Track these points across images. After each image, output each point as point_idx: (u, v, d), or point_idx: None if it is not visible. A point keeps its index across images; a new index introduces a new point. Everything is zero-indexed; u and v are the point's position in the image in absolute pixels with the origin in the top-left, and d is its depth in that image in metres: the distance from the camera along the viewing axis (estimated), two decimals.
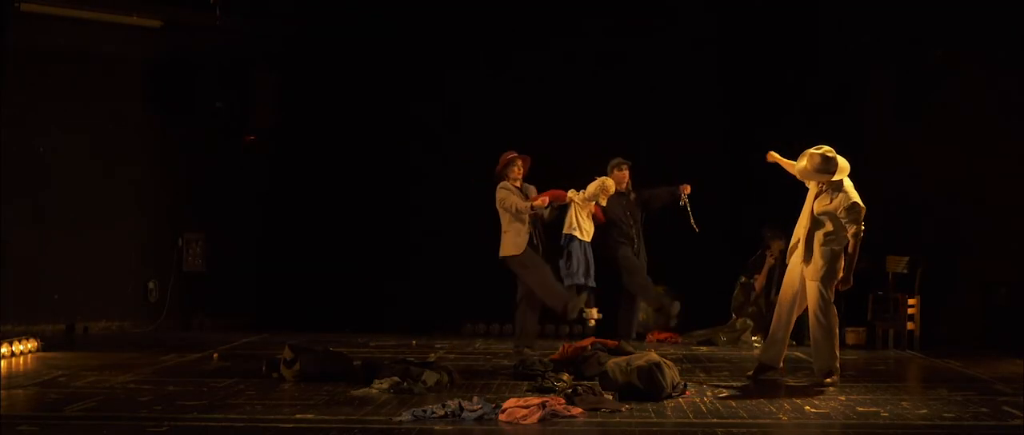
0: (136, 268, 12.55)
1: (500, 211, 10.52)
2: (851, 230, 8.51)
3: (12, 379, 8.68)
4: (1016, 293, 11.79)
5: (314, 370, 8.59)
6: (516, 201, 10.41)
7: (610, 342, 9.48)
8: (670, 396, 7.89)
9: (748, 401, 7.89)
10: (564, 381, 8.34)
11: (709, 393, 8.20)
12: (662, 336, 11.73)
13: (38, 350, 10.35)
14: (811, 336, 8.81)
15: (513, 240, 10.41)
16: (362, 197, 12.93)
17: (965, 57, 12.02)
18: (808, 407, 7.64)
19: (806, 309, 8.80)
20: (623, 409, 7.46)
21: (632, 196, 10.91)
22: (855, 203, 8.49)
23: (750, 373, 9.04)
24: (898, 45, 12.24)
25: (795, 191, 9.13)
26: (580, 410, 7.31)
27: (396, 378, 8.20)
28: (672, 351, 10.76)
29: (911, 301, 11.38)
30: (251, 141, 12.72)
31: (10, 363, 9.68)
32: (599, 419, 7.20)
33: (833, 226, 8.58)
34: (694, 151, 12.41)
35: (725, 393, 8.24)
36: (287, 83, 12.88)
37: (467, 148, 12.74)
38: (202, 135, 12.66)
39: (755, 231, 11.86)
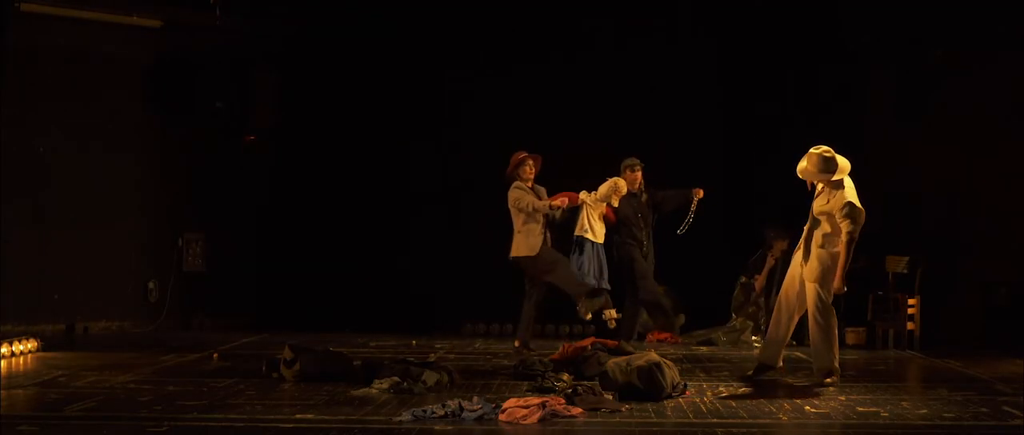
0: (136, 268, 12.55)
1: (513, 212, 10.42)
2: (845, 229, 8.47)
3: (12, 379, 8.67)
4: (1016, 293, 11.80)
5: (314, 370, 8.59)
6: (532, 200, 10.33)
7: (610, 342, 9.48)
8: (670, 396, 7.89)
9: (748, 401, 7.89)
10: (564, 381, 8.34)
11: (709, 393, 8.20)
12: (662, 336, 11.73)
13: (38, 350, 10.35)
14: (810, 337, 8.81)
15: (526, 241, 10.33)
16: (362, 197, 12.93)
17: (965, 57, 12.02)
18: (808, 407, 7.64)
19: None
20: (623, 409, 7.46)
21: (644, 197, 10.81)
22: (850, 203, 8.47)
23: (750, 373, 9.05)
24: (898, 45, 12.24)
25: (795, 191, 9.13)
26: (580, 410, 7.31)
27: (396, 378, 8.20)
28: (672, 351, 10.75)
29: (911, 301, 11.38)
30: (251, 141, 12.72)
31: (10, 363, 9.68)
32: (599, 419, 7.20)
33: (831, 227, 8.58)
34: (694, 151, 12.42)
35: (725, 393, 8.24)
36: (287, 83, 12.88)
37: (467, 148, 12.75)
38: (202, 135, 12.66)
39: (755, 231, 11.85)
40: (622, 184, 10.52)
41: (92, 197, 12.16)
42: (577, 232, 10.49)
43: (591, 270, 10.38)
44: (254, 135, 12.72)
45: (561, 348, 9.42)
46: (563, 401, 7.44)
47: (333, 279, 12.76)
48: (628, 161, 10.81)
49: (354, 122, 12.98)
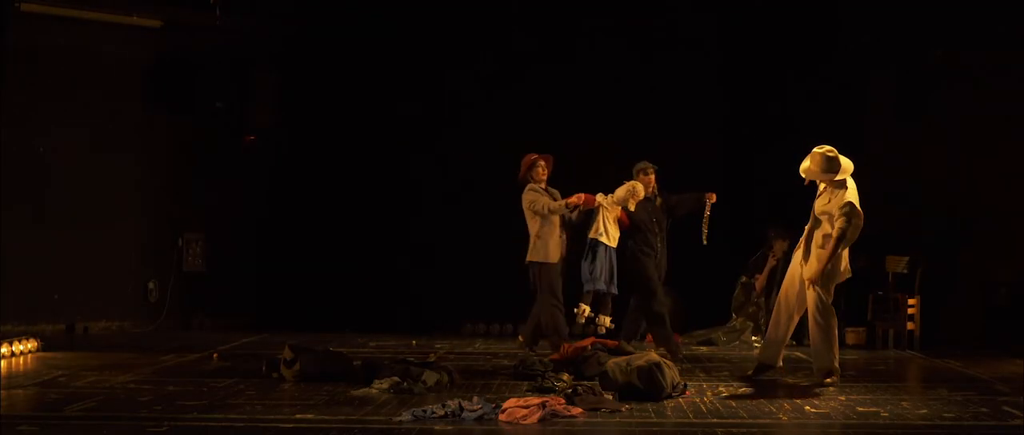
0: (136, 268, 12.54)
1: (529, 215, 10.19)
2: (838, 225, 8.45)
3: (12, 379, 8.68)
4: (1016, 293, 11.81)
5: (314, 370, 8.59)
6: (547, 201, 10.12)
7: (610, 342, 9.48)
8: (670, 396, 7.89)
9: (748, 401, 7.89)
10: (564, 381, 8.34)
11: (709, 393, 8.21)
12: None
13: (38, 350, 10.35)
14: (810, 337, 8.82)
15: (545, 246, 10.09)
16: (362, 197, 12.92)
17: (965, 57, 12.03)
18: (808, 407, 7.65)
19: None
20: (623, 409, 7.47)
21: (658, 201, 10.60)
22: (850, 203, 8.47)
23: (750, 372, 9.05)
24: (898, 45, 12.24)
25: (795, 191, 9.13)
26: (580, 410, 7.31)
27: (396, 378, 8.20)
28: None
29: (911, 301, 11.38)
30: (251, 141, 12.71)
31: (10, 363, 9.68)
32: (599, 419, 7.20)
33: (831, 227, 8.57)
34: (694, 151, 12.40)
35: (725, 393, 8.24)
36: (287, 83, 12.88)
37: (467, 148, 12.74)
38: (202, 135, 12.66)
39: (755, 231, 11.85)
40: (640, 188, 10.31)
41: (92, 197, 12.15)
42: (591, 235, 10.30)
43: (603, 275, 10.19)
44: (254, 135, 12.71)
45: (561, 348, 9.42)
46: (563, 401, 7.44)
47: (333, 279, 12.76)
48: (641, 164, 10.58)
49: (354, 122, 12.97)
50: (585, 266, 10.27)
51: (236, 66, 12.47)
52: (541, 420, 7.03)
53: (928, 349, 11.06)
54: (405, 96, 12.91)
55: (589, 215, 10.32)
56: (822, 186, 8.69)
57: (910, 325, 11.36)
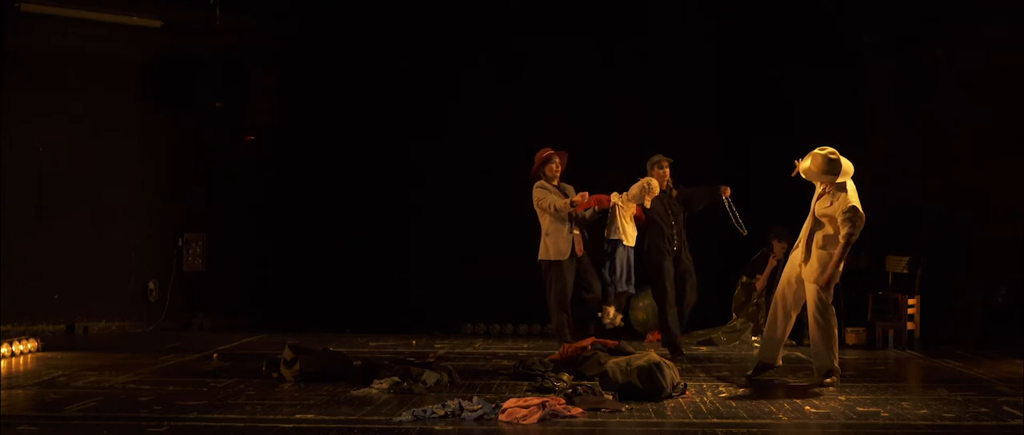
0: (136, 268, 12.54)
1: (539, 212, 10.01)
2: (844, 231, 8.46)
3: (12, 379, 8.68)
4: (1016, 293, 11.80)
5: (314, 370, 8.59)
6: (555, 200, 9.91)
7: (610, 342, 9.48)
8: (670, 396, 7.89)
9: (748, 401, 7.89)
10: (564, 381, 8.35)
11: (709, 393, 8.21)
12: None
13: (38, 350, 10.35)
14: (810, 337, 8.82)
15: (555, 244, 9.89)
16: (362, 197, 12.92)
17: (965, 57, 12.02)
18: (808, 407, 7.65)
19: (806, 309, 8.82)
20: (623, 409, 7.47)
21: (673, 193, 10.48)
22: (854, 207, 8.46)
23: (749, 372, 9.05)
24: (898, 45, 12.23)
25: (794, 192, 9.13)
26: (580, 410, 7.31)
27: (396, 378, 8.21)
28: None
29: (911, 301, 11.37)
30: (251, 141, 12.71)
31: (10, 363, 9.68)
32: (599, 419, 7.21)
33: (833, 229, 8.58)
34: (693, 150, 12.39)
35: (725, 393, 8.24)
36: (287, 83, 12.87)
37: (467, 148, 12.74)
38: (202, 135, 12.66)
39: (755, 231, 11.84)
40: (654, 183, 10.20)
41: (92, 197, 12.16)
42: (609, 235, 10.16)
43: (623, 275, 10.08)
44: (254, 135, 12.71)
45: (561, 348, 9.42)
46: (563, 401, 7.45)
47: (333, 279, 12.76)
48: (655, 158, 10.45)
49: (354, 121, 12.96)
50: (606, 268, 10.14)
51: (236, 66, 12.46)
52: (541, 420, 7.04)
53: (928, 349, 11.06)
54: (405, 95, 12.90)
55: (604, 214, 10.18)
56: (821, 187, 8.68)
57: (910, 325, 11.35)
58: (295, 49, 12.96)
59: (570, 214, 9.90)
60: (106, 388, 8.24)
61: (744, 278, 11.82)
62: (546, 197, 9.95)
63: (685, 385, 8.20)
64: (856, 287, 11.37)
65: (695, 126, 12.61)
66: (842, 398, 8.02)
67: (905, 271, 11.52)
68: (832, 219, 8.55)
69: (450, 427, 6.90)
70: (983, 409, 7.59)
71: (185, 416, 7.11)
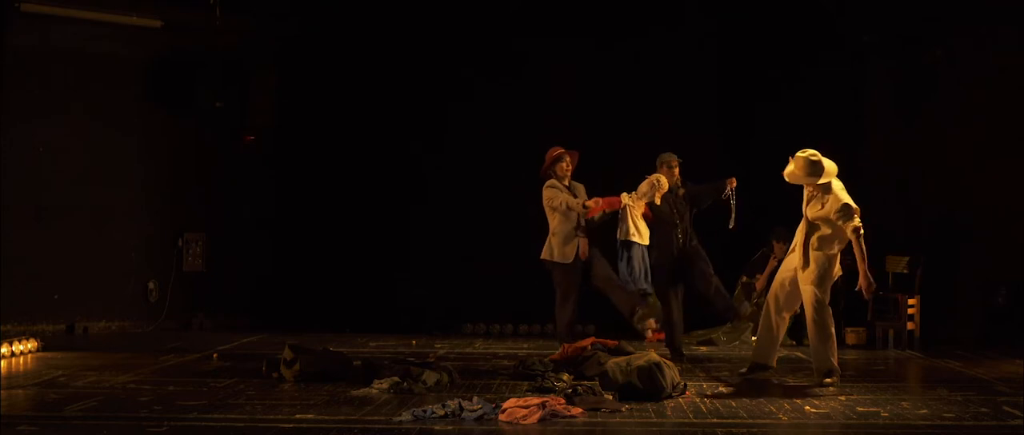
0: (136, 268, 12.54)
1: (548, 211, 9.89)
2: (850, 227, 8.44)
3: (12, 379, 8.68)
4: (1016, 293, 11.80)
5: (314, 370, 8.59)
6: (566, 198, 9.79)
7: (610, 342, 9.46)
8: (670, 396, 7.89)
9: (748, 401, 7.89)
10: (564, 381, 8.35)
11: (709, 393, 8.20)
12: (662, 336, 11.71)
13: (38, 350, 10.35)
14: (809, 338, 8.82)
15: (561, 246, 9.78)
16: (362, 197, 12.92)
17: (965, 56, 12.03)
18: (808, 407, 7.65)
19: (803, 310, 8.82)
20: (623, 409, 7.47)
21: (681, 191, 10.38)
22: (845, 204, 8.47)
23: (743, 371, 9.03)
24: (898, 44, 12.24)
25: (794, 192, 9.13)
26: (580, 410, 7.31)
27: (396, 378, 8.20)
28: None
29: (911, 301, 11.37)
30: (251, 141, 12.71)
31: (10, 363, 9.68)
32: (599, 419, 7.20)
33: (829, 230, 8.58)
34: (693, 150, 12.38)
35: (725, 393, 8.24)
36: (287, 83, 12.88)
37: (468, 147, 12.74)
38: (202, 135, 12.66)
39: (755, 231, 11.84)
40: (663, 180, 10.10)
41: (92, 197, 12.16)
42: (622, 236, 9.98)
43: (639, 274, 9.89)
44: (254, 135, 12.72)
45: (561, 348, 9.42)
46: (563, 401, 7.44)
47: (333, 279, 12.77)
48: (665, 156, 10.35)
49: (354, 121, 12.97)
50: (622, 268, 9.97)
51: (236, 66, 12.47)
52: (541, 420, 7.03)
53: (928, 349, 11.06)
54: (405, 95, 12.91)
55: (614, 216, 10.03)
56: (808, 191, 8.70)
57: (910, 325, 11.35)
58: (295, 49, 12.96)
59: (579, 219, 9.80)
60: (106, 388, 8.24)
61: (744, 278, 11.83)
62: (558, 196, 9.84)
63: (685, 385, 8.20)
64: (856, 287, 11.35)
65: (695, 126, 12.60)
66: (842, 398, 8.02)
67: (905, 271, 11.52)
68: (826, 221, 8.56)
69: (450, 427, 6.89)
70: (983, 409, 7.58)
71: (185, 416, 7.11)
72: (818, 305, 8.62)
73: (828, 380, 8.60)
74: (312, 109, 13.03)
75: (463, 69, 12.90)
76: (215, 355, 10.08)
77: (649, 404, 7.66)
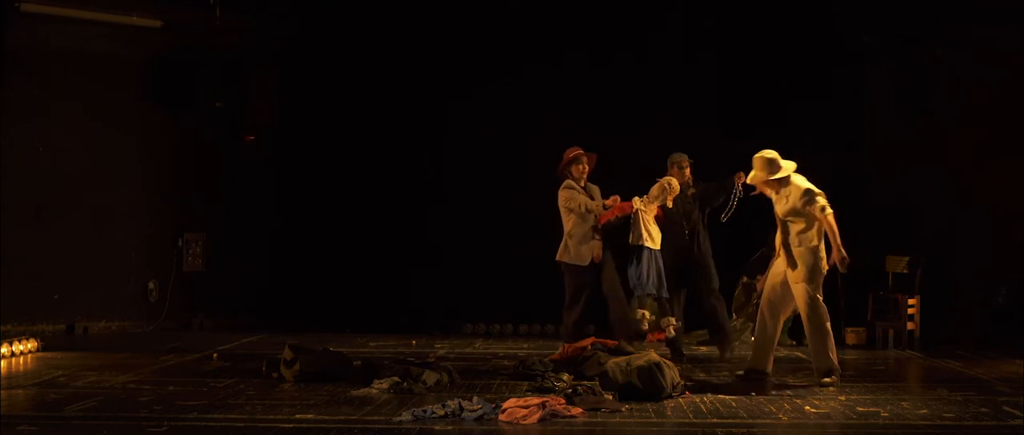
0: (136, 268, 12.54)
1: (563, 212, 9.81)
2: (817, 208, 8.49)
3: (12, 379, 8.68)
4: (1016, 293, 11.80)
5: (314, 370, 8.59)
6: (584, 200, 9.72)
7: (610, 342, 9.46)
8: (670, 396, 7.89)
9: (748, 401, 7.89)
10: (564, 381, 8.35)
11: (709, 393, 8.20)
12: (662, 336, 11.68)
13: (38, 350, 10.35)
14: (807, 337, 8.82)
15: (576, 248, 9.71)
16: (362, 197, 12.91)
17: (965, 56, 12.03)
18: (808, 407, 7.65)
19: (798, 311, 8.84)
20: (623, 409, 7.47)
21: (690, 191, 10.34)
22: (808, 189, 8.58)
23: (739, 372, 9.01)
24: (898, 45, 12.23)
25: None
26: (580, 410, 7.31)
27: (396, 378, 8.20)
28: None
29: (911, 301, 11.37)
30: (251, 141, 12.71)
31: (10, 363, 9.69)
32: (599, 419, 7.20)
33: (803, 222, 8.63)
34: (691, 151, 12.38)
35: (725, 393, 8.24)
36: (287, 83, 12.87)
37: (468, 148, 12.73)
38: (202, 135, 12.66)
39: (755, 231, 11.83)
40: (674, 183, 10.05)
41: (92, 197, 12.16)
42: (634, 241, 9.88)
43: (651, 279, 9.83)
44: (254, 135, 12.71)
45: (561, 348, 9.42)
46: (563, 401, 7.44)
47: (333, 279, 12.76)
48: (676, 157, 10.33)
49: (354, 121, 12.96)
50: (631, 272, 9.90)
51: (236, 66, 12.46)
52: (541, 420, 7.04)
53: (928, 349, 11.06)
54: (404, 96, 12.90)
55: (626, 221, 9.95)
56: (771, 193, 8.76)
57: (910, 325, 11.35)
58: (295, 49, 12.95)
59: (595, 217, 9.75)
60: (106, 388, 8.24)
61: (744, 278, 11.82)
62: (575, 197, 9.77)
63: (685, 385, 8.20)
64: (856, 287, 11.36)
65: (695, 126, 12.59)
66: (842, 398, 8.02)
67: (905, 271, 11.52)
68: (796, 213, 8.62)
69: (450, 427, 6.89)
70: (983, 409, 7.58)
71: (185, 416, 7.11)
72: (812, 302, 8.62)
73: (827, 379, 8.59)
74: (312, 109, 13.02)
75: (463, 70, 12.88)
76: (215, 355, 10.08)
77: (649, 404, 7.66)
